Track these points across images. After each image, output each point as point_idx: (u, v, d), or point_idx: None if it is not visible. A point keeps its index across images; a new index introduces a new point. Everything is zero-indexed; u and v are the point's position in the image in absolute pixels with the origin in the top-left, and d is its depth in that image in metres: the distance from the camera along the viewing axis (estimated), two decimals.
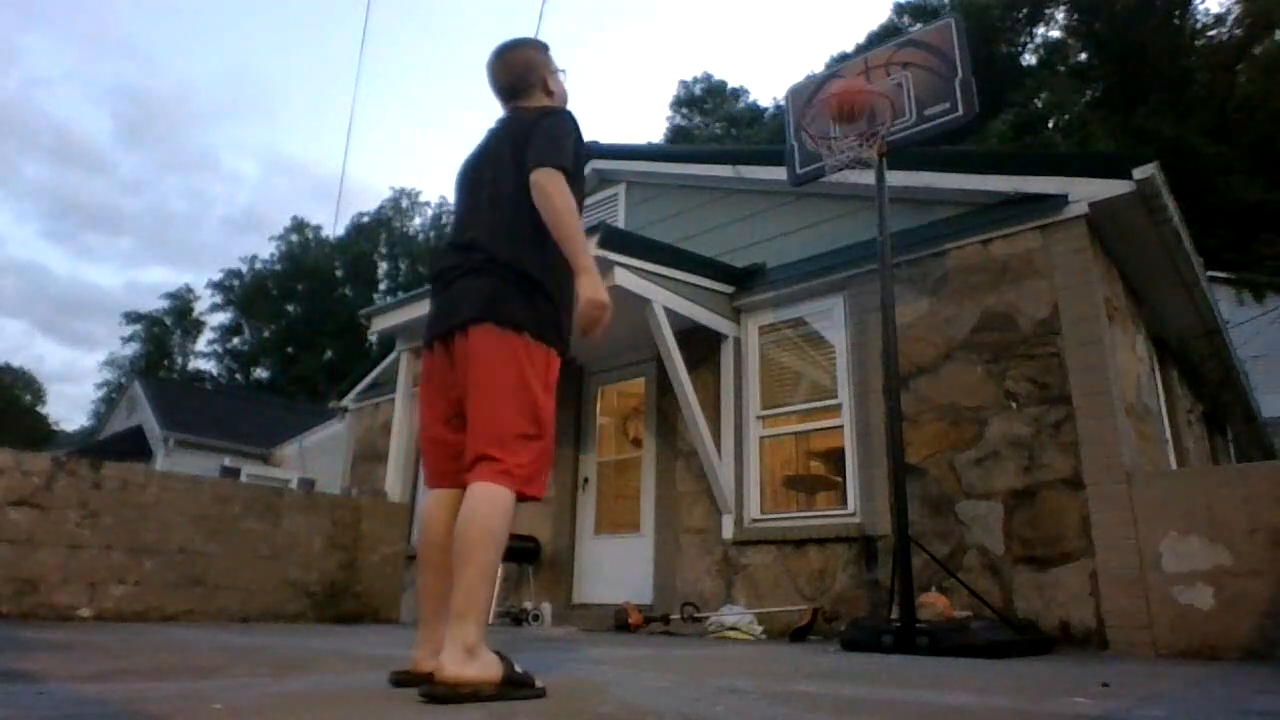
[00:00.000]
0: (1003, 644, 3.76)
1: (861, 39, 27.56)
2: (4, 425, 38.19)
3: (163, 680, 2.04)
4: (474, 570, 1.84)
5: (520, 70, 2.39)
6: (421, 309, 6.56)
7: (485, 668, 1.78)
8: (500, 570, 7.06)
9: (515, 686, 1.82)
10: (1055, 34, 26.63)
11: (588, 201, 8.38)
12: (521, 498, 2.01)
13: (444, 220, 44.16)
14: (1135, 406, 5.08)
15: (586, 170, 8.37)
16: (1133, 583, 4.14)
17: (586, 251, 2.09)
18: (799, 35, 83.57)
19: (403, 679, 2.01)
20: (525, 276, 2.07)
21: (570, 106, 2.41)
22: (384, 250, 43.69)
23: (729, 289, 6.38)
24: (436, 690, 1.73)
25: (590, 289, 2.05)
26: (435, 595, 2.09)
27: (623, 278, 5.39)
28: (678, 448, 6.39)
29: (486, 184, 2.23)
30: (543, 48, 2.46)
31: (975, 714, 1.78)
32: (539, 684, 1.88)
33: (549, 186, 2.04)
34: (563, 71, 2.47)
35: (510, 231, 2.12)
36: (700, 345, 6.33)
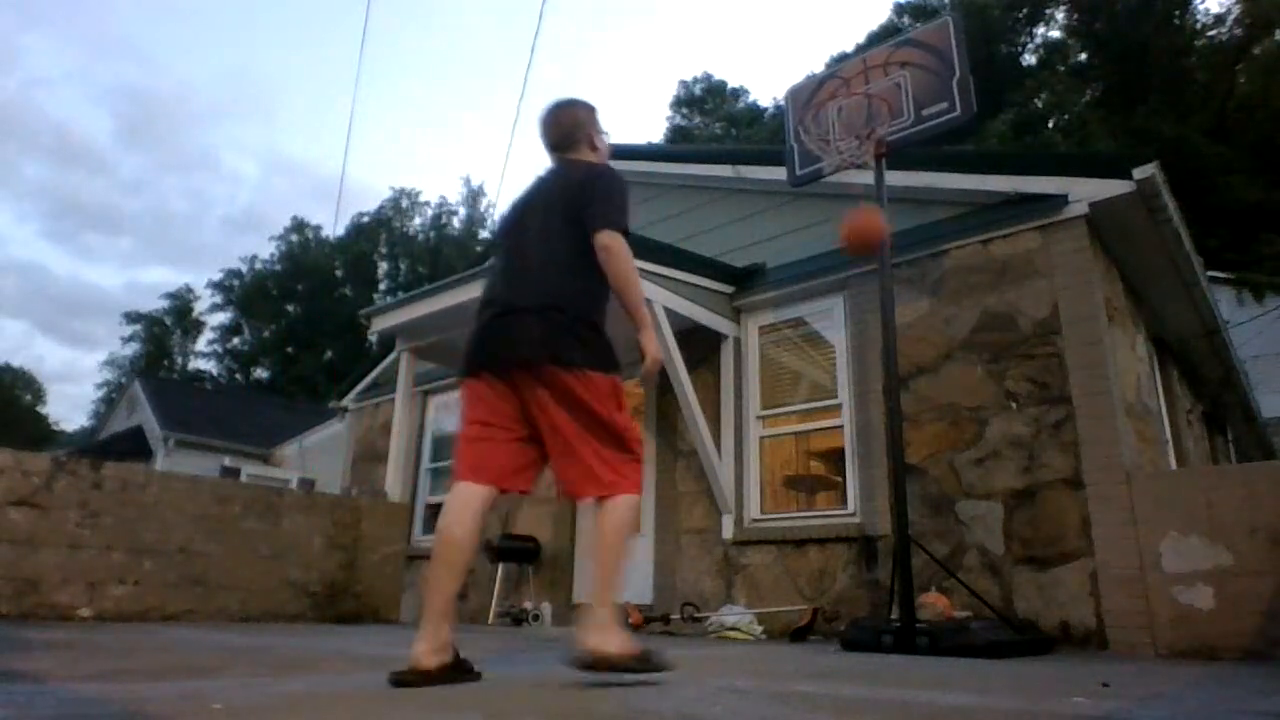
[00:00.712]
0: (1003, 644, 3.76)
1: (861, 39, 27.56)
2: (4, 425, 38.20)
3: (163, 680, 2.04)
4: (615, 566, 2.22)
5: (569, 128, 2.65)
6: (421, 309, 6.56)
7: (624, 644, 2.13)
8: (500, 570, 7.08)
9: (647, 659, 2.14)
10: (1055, 34, 26.64)
11: None
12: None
13: (443, 220, 44.20)
14: (1135, 406, 5.09)
15: None
16: (1133, 583, 4.14)
17: (646, 308, 2.44)
18: (799, 35, 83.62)
19: (404, 679, 2.01)
20: (593, 325, 2.37)
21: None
22: (384, 250, 43.66)
23: (729, 289, 6.38)
24: (587, 661, 2.08)
25: (653, 346, 2.44)
26: (448, 595, 2.19)
27: None
28: (678, 448, 6.39)
29: (541, 231, 2.45)
30: (591, 109, 2.72)
31: (975, 714, 1.78)
32: (667, 660, 2.19)
33: (614, 247, 2.33)
34: (606, 133, 2.74)
35: (574, 282, 2.38)
36: (700, 345, 6.33)
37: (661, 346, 5.74)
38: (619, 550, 2.23)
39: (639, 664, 2.12)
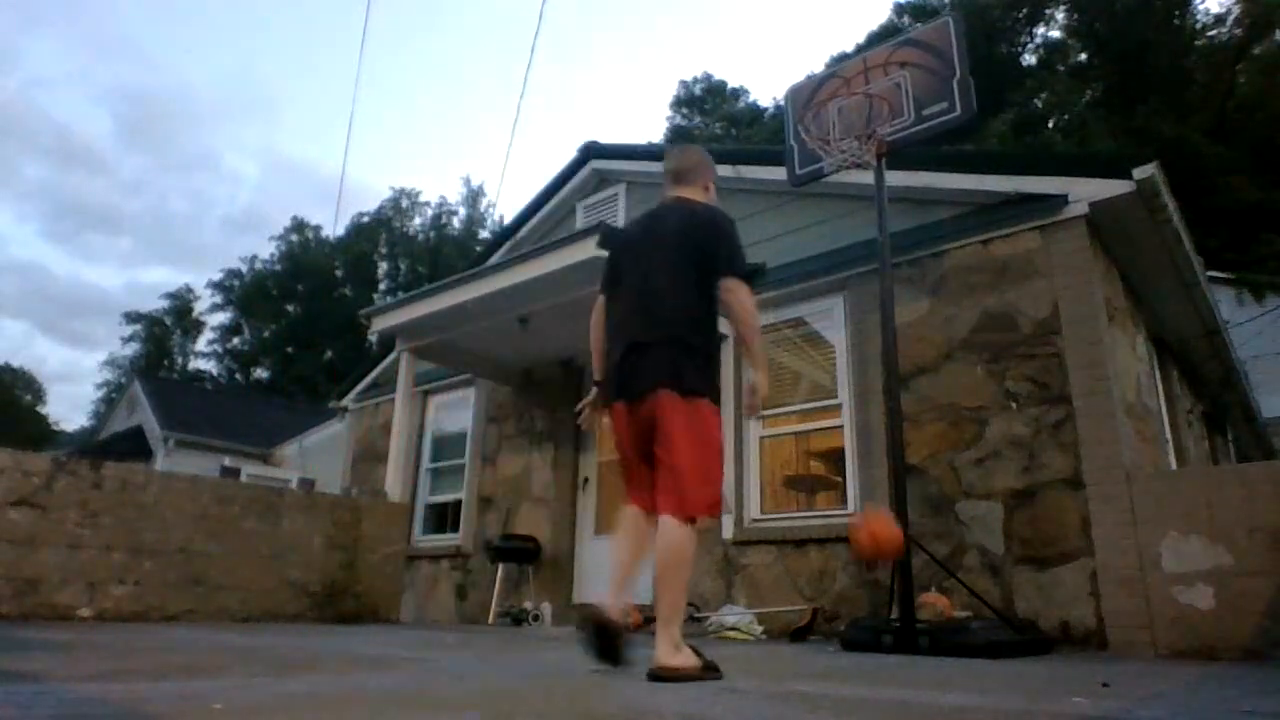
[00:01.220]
0: (1003, 644, 3.76)
1: (861, 39, 27.54)
2: (4, 425, 38.18)
3: (163, 680, 2.04)
4: (678, 586, 2.47)
5: (693, 164, 3.03)
6: (421, 309, 6.56)
7: (687, 658, 2.38)
8: (500, 570, 7.07)
9: (708, 670, 2.39)
10: (1055, 34, 26.63)
11: (588, 201, 8.40)
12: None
13: (443, 220, 44.15)
14: (1135, 406, 5.08)
15: (587, 170, 8.40)
16: (1133, 583, 4.14)
17: (764, 351, 2.84)
18: (799, 35, 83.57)
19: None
20: (709, 355, 2.69)
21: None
22: (384, 250, 43.63)
23: None
24: (658, 674, 2.28)
25: (764, 385, 2.73)
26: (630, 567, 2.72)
27: None
28: None
29: (665, 265, 2.72)
30: (711, 161, 3.16)
31: (975, 714, 1.78)
32: (720, 669, 2.43)
33: (740, 294, 2.65)
34: (716, 183, 3.17)
35: (695, 315, 2.67)
36: None
37: None
38: (669, 569, 2.44)
39: (702, 674, 2.37)
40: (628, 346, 2.67)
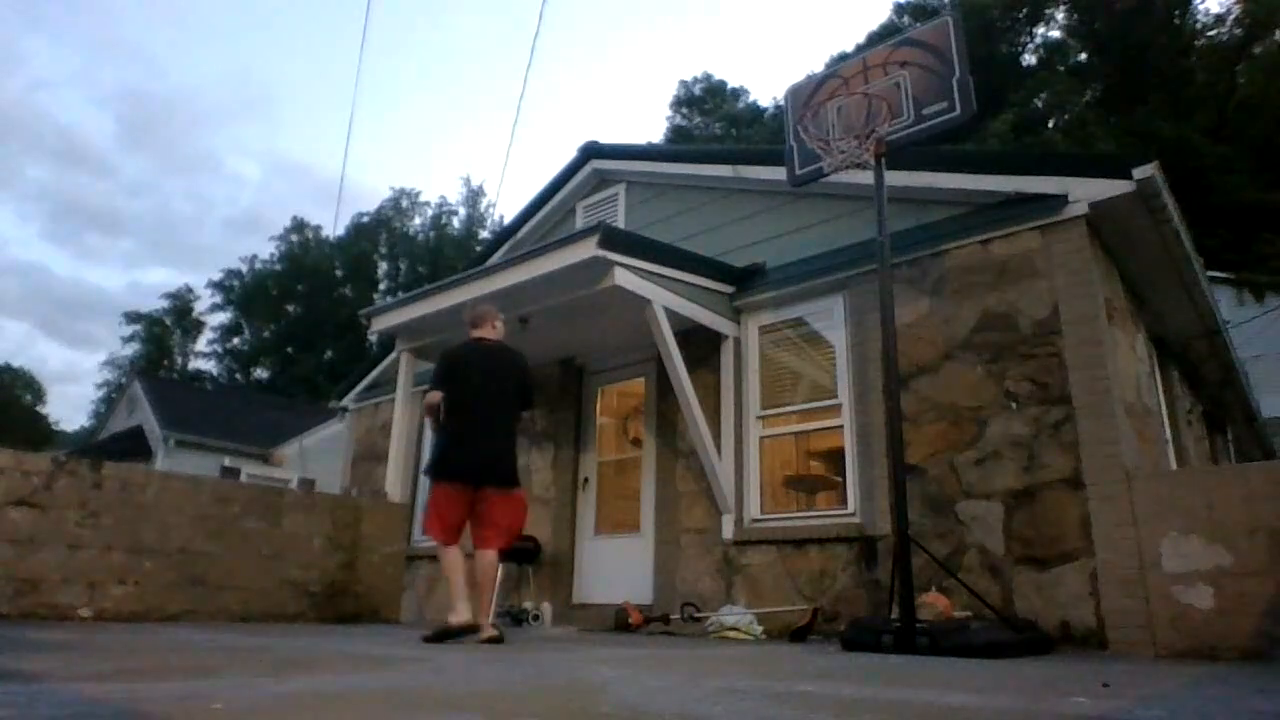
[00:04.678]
0: (1003, 644, 3.76)
1: (861, 39, 27.55)
2: (4, 425, 38.18)
3: (163, 680, 2.04)
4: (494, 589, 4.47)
5: (482, 312, 4.62)
6: (421, 309, 6.57)
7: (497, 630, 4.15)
8: (500, 570, 7.10)
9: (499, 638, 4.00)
10: (1055, 34, 26.64)
11: (588, 201, 8.40)
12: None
13: (443, 220, 44.16)
14: (1135, 406, 5.08)
15: (587, 170, 8.40)
16: (1133, 583, 4.14)
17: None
18: (799, 35, 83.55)
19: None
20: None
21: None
22: (384, 250, 43.63)
23: (729, 289, 6.38)
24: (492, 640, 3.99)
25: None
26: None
27: (623, 278, 5.39)
28: (678, 448, 6.39)
29: (500, 395, 4.42)
30: (493, 307, 4.70)
31: (975, 714, 1.78)
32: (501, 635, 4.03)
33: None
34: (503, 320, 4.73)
35: (512, 435, 4.57)
36: (700, 345, 6.33)
37: (662, 346, 5.78)
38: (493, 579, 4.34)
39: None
40: (475, 456, 4.24)
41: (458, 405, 4.28)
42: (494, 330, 4.55)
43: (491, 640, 3.99)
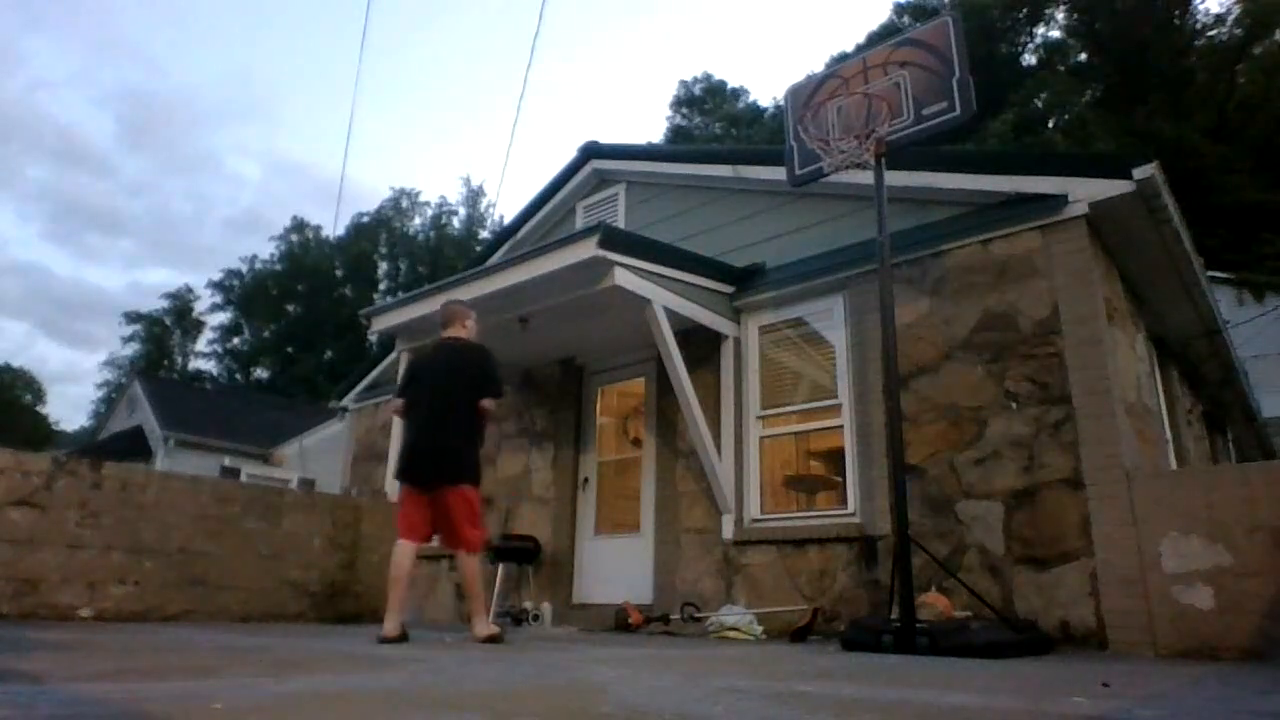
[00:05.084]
0: (1003, 644, 3.76)
1: (861, 39, 27.54)
2: (4, 425, 38.17)
3: (163, 680, 2.04)
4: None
5: (452, 312, 4.68)
6: (421, 309, 6.55)
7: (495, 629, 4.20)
8: (500, 570, 7.08)
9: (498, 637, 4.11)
10: (1055, 34, 26.62)
11: (588, 201, 8.39)
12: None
13: (444, 220, 44.16)
14: (1135, 406, 5.08)
15: (587, 170, 8.40)
16: (1133, 583, 4.14)
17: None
18: (799, 35, 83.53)
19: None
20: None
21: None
22: (384, 250, 43.62)
23: (729, 289, 6.38)
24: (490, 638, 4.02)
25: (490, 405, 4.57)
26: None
27: (623, 278, 5.38)
28: (678, 448, 6.39)
29: (457, 394, 4.36)
30: (465, 306, 4.77)
31: (975, 714, 1.78)
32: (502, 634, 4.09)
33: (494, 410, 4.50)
34: (474, 322, 4.76)
35: (473, 430, 4.41)
36: (700, 345, 6.33)
37: (662, 346, 5.78)
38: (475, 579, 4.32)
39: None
40: (427, 451, 4.26)
41: (413, 406, 4.38)
42: (464, 329, 4.56)
43: (491, 639, 4.04)
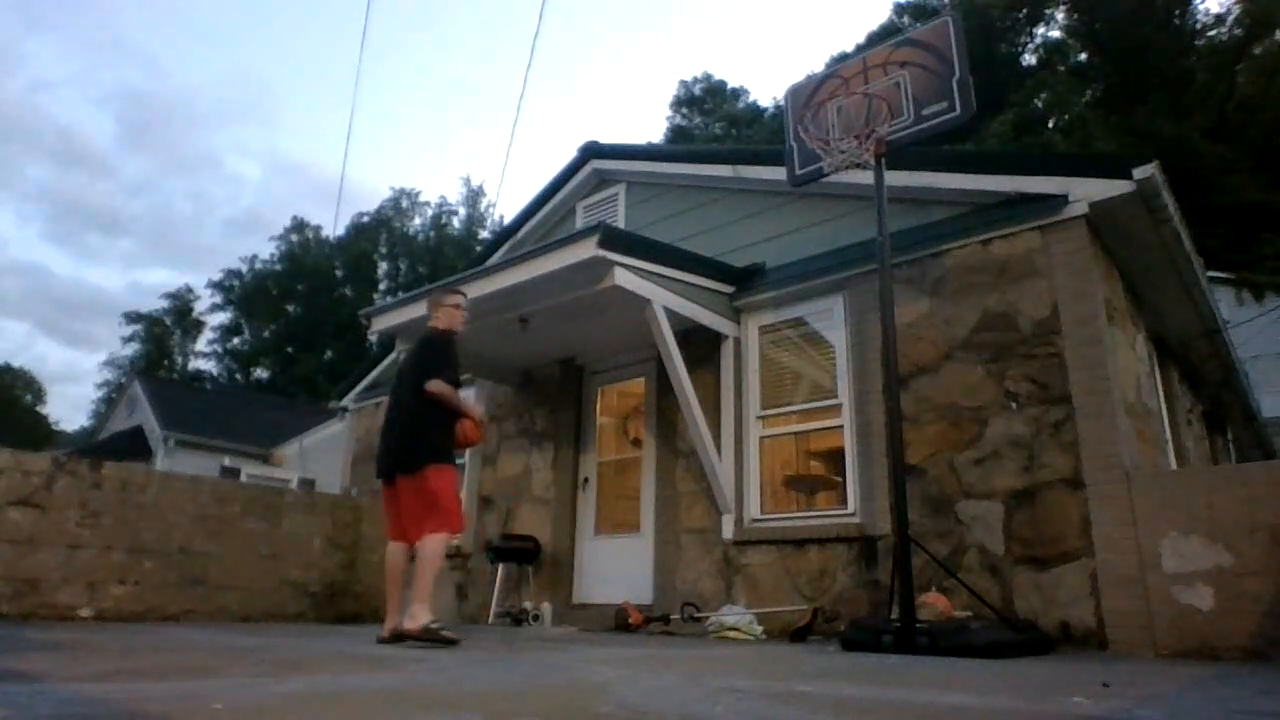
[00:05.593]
0: (1003, 644, 3.76)
1: (861, 39, 27.55)
2: (4, 425, 38.17)
3: (163, 680, 2.04)
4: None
5: (430, 304, 4.65)
6: (421, 309, 6.55)
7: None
8: (500, 570, 7.09)
9: (430, 633, 3.76)
10: (1055, 34, 26.62)
11: (588, 201, 8.40)
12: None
13: (444, 220, 44.17)
14: (1135, 406, 5.08)
15: (587, 170, 8.40)
16: (1133, 583, 4.14)
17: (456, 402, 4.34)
18: (799, 35, 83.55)
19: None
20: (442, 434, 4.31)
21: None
22: (384, 250, 43.62)
23: (729, 289, 6.38)
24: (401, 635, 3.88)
25: (477, 413, 4.55)
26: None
27: (623, 278, 5.38)
28: (678, 448, 6.39)
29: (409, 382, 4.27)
30: (442, 294, 4.63)
31: (975, 714, 1.78)
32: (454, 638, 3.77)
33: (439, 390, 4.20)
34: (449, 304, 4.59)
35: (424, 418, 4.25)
36: (700, 345, 6.33)
37: (662, 346, 5.78)
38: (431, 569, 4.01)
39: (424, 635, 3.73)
40: (384, 444, 4.31)
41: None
42: (436, 319, 4.47)
43: (401, 636, 3.80)
